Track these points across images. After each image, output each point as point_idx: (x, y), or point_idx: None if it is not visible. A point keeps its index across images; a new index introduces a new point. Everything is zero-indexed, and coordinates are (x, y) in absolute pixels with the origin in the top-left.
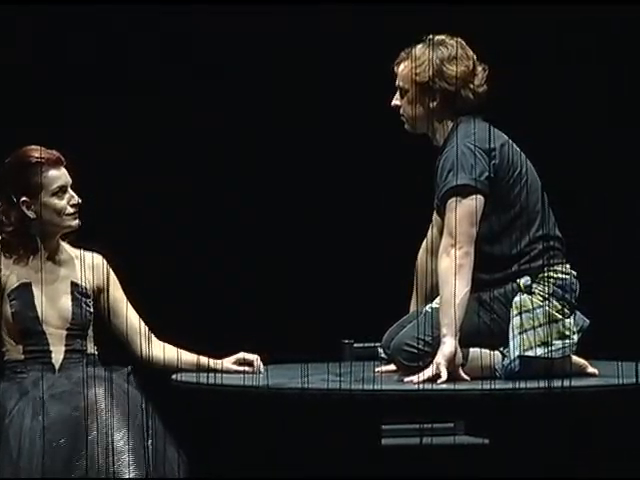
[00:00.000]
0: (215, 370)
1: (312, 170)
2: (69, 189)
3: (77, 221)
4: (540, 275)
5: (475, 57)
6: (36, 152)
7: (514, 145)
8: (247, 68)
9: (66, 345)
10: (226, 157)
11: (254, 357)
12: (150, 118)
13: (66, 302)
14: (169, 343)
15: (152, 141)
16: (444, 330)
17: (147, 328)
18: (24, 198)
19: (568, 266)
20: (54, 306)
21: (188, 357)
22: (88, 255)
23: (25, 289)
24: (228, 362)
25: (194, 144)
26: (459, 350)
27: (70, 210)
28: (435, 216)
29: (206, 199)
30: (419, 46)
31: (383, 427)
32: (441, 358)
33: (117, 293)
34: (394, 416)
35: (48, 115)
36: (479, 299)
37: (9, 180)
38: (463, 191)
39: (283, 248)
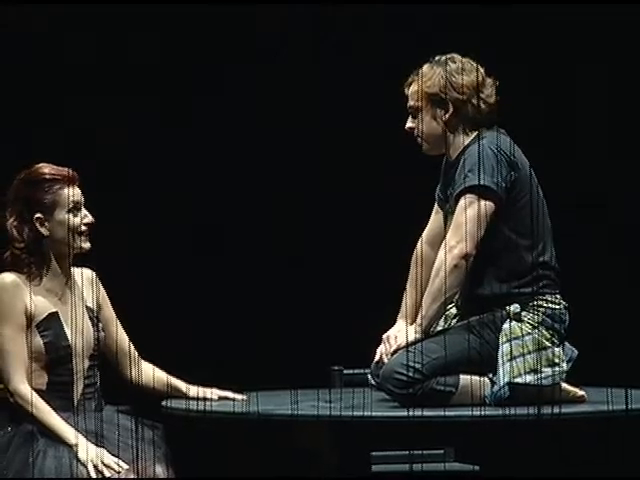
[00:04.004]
0: (205, 398)
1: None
2: (82, 207)
3: (88, 244)
4: (530, 303)
5: (483, 70)
6: (51, 169)
7: (532, 169)
8: (247, 68)
9: (86, 378)
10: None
11: (240, 397)
12: (150, 118)
13: (89, 329)
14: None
15: (153, 142)
16: (419, 320)
17: (135, 351)
18: (38, 215)
19: (559, 297)
20: (80, 335)
21: (177, 383)
22: (83, 272)
23: (53, 319)
24: (215, 394)
25: (193, 144)
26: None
27: (83, 229)
28: (437, 208)
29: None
30: (425, 65)
31: (373, 454)
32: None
33: (108, 311)
34: (384, 443)
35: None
36: (468, 325)
37: (22, 196)
38: (481, 192)
39: (272, 273)
